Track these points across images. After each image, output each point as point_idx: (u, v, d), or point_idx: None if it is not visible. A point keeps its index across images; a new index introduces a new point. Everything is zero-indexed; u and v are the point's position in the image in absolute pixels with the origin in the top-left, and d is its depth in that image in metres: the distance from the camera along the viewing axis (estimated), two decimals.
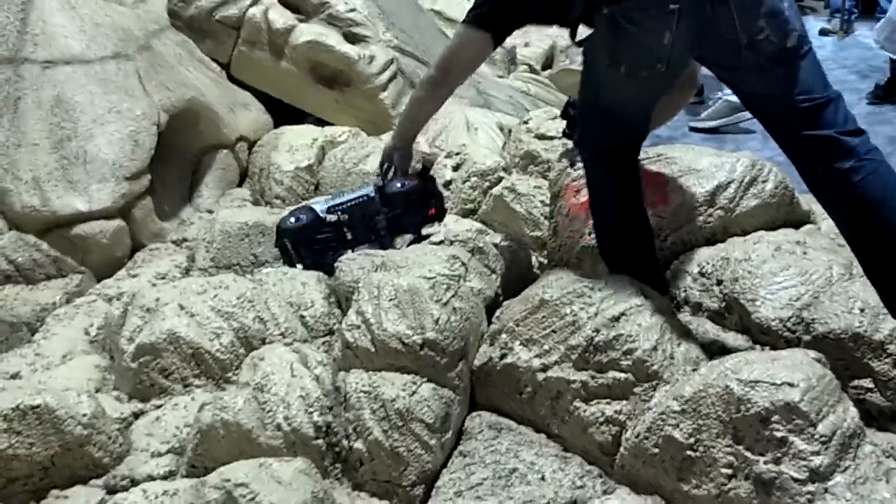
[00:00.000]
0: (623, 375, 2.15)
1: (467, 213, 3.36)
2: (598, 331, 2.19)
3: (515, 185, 3.30)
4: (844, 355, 2.23)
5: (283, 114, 3.98)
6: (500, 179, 3.41)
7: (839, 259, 2.50)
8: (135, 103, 3.29)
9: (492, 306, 2.60)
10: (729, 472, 1.90)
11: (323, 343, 2.53)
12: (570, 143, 3.18)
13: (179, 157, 3.57)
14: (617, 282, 2.31)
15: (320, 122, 3.90)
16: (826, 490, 1.81)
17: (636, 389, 2.13)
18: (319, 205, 2.80)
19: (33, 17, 3.33)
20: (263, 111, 3.94)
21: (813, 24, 7.66)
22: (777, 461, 1.84)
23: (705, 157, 2.86)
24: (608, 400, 2.15)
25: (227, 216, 2.96)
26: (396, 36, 4.14)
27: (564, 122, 3.18)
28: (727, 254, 2.60)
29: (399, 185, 2.83)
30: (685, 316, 2.54)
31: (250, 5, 3.97)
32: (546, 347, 2.26)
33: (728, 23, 2.10)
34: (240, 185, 3.67)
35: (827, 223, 2.93)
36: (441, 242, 2.82)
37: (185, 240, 3.19)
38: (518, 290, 2.54)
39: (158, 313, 2.46)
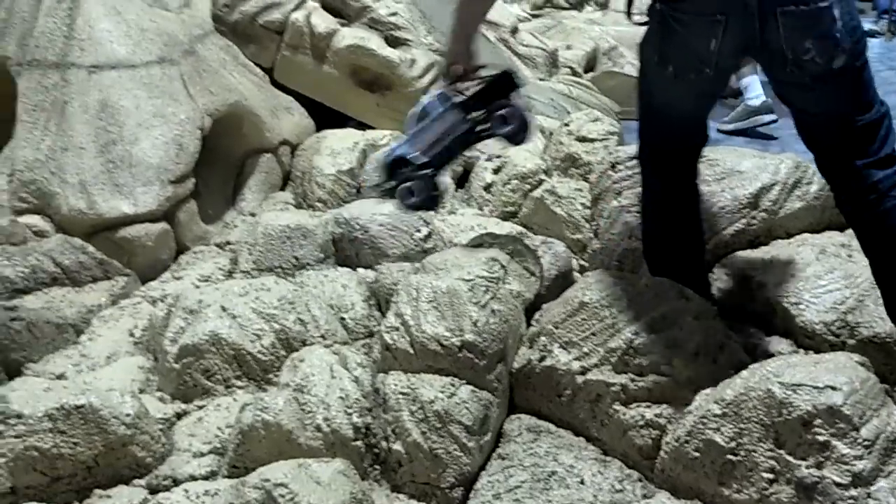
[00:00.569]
0: (663, 379, 2.13)
1: (508, 216, 3.35)
2: (637, 333, 2.18)
3: (556, 187, 3.29)
4: (889, 359, 2.20)
5: (326, 118, 4.01)
6: (540, 182, 3.41)
7: None
8: (179, 107, 3.33)
9: (531, 309, 2.59)
10: (770, 476, 1.87)
11: (363, 345, 2.54)
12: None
13: (223, 161, 3.60)
14: (658, 284, 2.30)
15: (362, 126, 3.92)
16: (869, 495, 1.78)
17: (677, 393, 2.11)
18: (402, 149, 2.65)
19: (80, 22, 3.39)
20: (306, 115, 3.96)
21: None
22: (819, 465, 1.82)
23: (748, 158, 2.84)
24: (648, 403, 2.14)
25: (269, 219, 2.98)
26: (438, 39, 4.14)
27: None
28: (771, 257, 2.58)
29: (468, 88, 2.59)
30: (728, 319, 2.52)
31: (293, 10, 4.00)
32: (585, 350, 2.25)
33: (775, 37, 2.05)
34: (283, 188, 3.70)
35: None
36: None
37: (228, 243, 3.23)
38: (558, 293, 2.53)
39: (201, 315, 2.49)
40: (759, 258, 2.60)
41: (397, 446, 2.14)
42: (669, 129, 2.35)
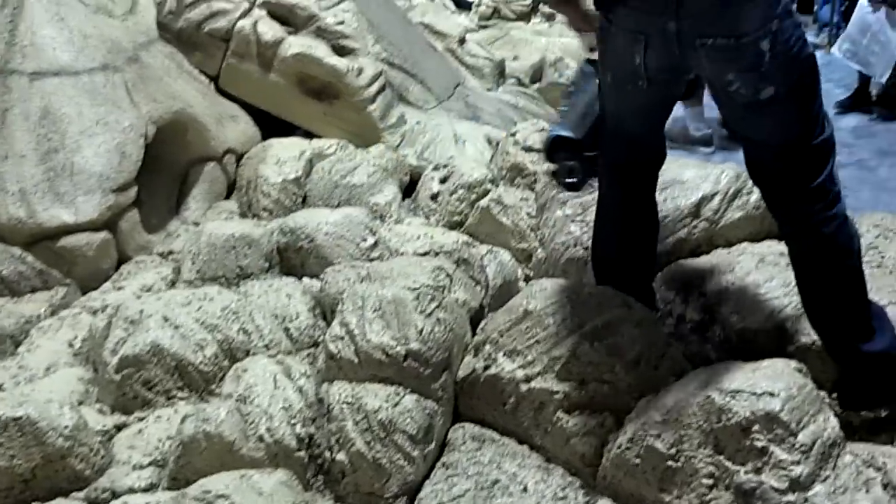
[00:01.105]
0: (605, 386, 2.15)
1: (454, 226, 3.36)
2: (580, 342, 2.19)
3: (502, 197, 3.31)
4: (826, 366, 2.23)
5: (272, 126, 3.98)
6: (487, 192, 3.42)
7: None
8: (122, 115, 3.29)
9: (477, 318, 2.60)
10: (710, 482, 1.90)
11: (308, 355, 2.53)
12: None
13: (167, 170, 3.56)
14: (601, 293, 2.32)
15: (309, 135, 3.90)
16: (806, 500, 1.81)
17: (619, 400, 2.13)
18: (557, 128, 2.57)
19: (22, 28, 3.33)
20: (252, 123, 3.93)
21: None
22: (758, 471, 1.84)
23: (690, 168, 2.88)
24: (591, 411, 2.15)
25: (213, 228, 2.95)
26: (385, 49, 4.14)
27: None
28: (711, 265, 2.62)
29: None
30: (669, 327, 2.55)
31: (240, 18, 3.97)
32: (529, 358, 2.26)
33: (698, 65, 2.04)
34: (227, 197, 3.66)
35: None
36: None
37: (171, 252, 3.19)
38: (503, 302, 2.54)
39: (142, 325, 2.46)
40: (701, 267, 2.64)
41: (341, 456, 2.13)
42: (622, 141, 2.33)
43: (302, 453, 2.12)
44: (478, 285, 2.74)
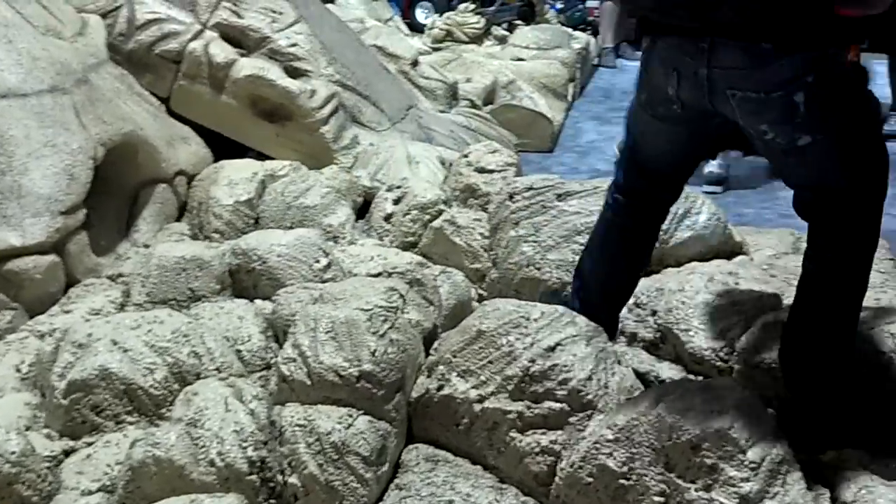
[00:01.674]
0: (558, 405, 2.16)
1: (408, 247, 3.36)
2: (533, 361, 2.20)
3: (455, 217, 3.32)
4: (775, 384, 2.26)
5: (224, 148, 3.97)
6: (440, 212, 3.43)
7: (770, 289, 2.55)
8: (71, 137, 3.25)
9: (430, 338, 2.60)
10: (661, 499, 1.91)
11: (260, 377, 2.51)
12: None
13: (117, 192, 3.52)
14: (552, 312, 2.33)
15: (261, 157, 3.89)
16: None
17: (571, 419, 2.14)
18: None
19: None
20: (203, 145, 3.91)
21: None
22: (708, 488, 1.86)
23: None
24: (544, 430, 2.16)
25: (163, 250, 2.93)
26: (338, 71, 4.15)
27: None
28: (661, 284, 2.65)
29: None
30: (621, 346, 2.57)
31: (191, 39, 3.96)
32: (483, 378, 2.26)
33: (731, 112, 2.02)
34: (178, 219, 3.63)
35: (759, 254, 3.00)
36: None
37: (120, 275, 3.15)
38: (457, 323, 2.55)
39: (90, 349, 2.42)
40: (651, 286, 2.66)
41: (293, 479, 2.12)
42: (644, 170, 2.29)
43: (254, 477, 2.10)
44: (431, 306, 2.74)
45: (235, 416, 2.16)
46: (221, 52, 3.92)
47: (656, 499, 1.91)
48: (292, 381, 2.24)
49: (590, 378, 2.17)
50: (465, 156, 3.76)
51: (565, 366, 2.18)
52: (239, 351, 2.56)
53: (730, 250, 2.87)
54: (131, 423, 2.37)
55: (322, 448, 2.11)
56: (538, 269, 2.85)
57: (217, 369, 2.45)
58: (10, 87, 3.27)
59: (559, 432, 2.14)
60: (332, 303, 2.39)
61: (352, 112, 4.12)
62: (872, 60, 5.56)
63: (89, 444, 2.34)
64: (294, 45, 4.04)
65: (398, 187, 3.58)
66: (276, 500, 2.14)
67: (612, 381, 2.20)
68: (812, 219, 2.11)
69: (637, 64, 2.20)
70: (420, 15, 8.84)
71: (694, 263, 2.74)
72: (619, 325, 2.61)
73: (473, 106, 5.21)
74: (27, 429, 2.37)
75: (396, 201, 3.54)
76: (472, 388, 2.26)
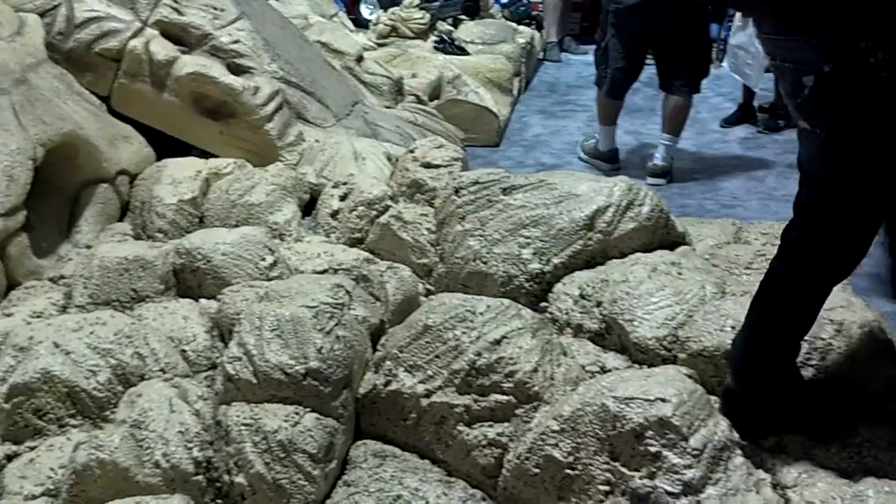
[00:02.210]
0: (505, 398, 2.17)
1: (354, 243, 3.36)
2: (479, 354, 2.21)
3: (402, 213, 3.32)
4: (718, 372, 2.30)
5: (167, 147, 3.92)
6: (386, 208, 3.42)
7: (712, 279, 2.59)
8: (10, 138, 3.19)
9: (377, 334, 2.60)
10: (606, 488, 1.94)
11: (205, 377, 2.49)
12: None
13: (57, 192, 3.47)
14: (497, 305, 2.34)
15: (205, 155, 3.85)
16: (699, 503, 1.86)
17: (518, 411, 2.16)
18: None
19: None
20: (145, 144, 3.86)
21: None
22: (652, 476, 1.89)
23: (584, 182, 2.93)
24: (490, 423, 2.18)
25: (105, 251, 2.89)
26: (282, 67, 4.12)
27: None
28: (606, 276, 2.67)
29: None
30: (567, 337, 2.59)
31: (131, 37, 3.90)
32: (430, 373, 2.27)
33: None
34: (121, 219, 3.59)
35: (701, 244, 3.04)
36: None
37: (62, 277, 3.10)
38: (405, 318, 2.55)
39: (32, 352, 2.39)
40: (596, 277, 2.69)
41: (240, 479, 2.11)
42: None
43: (200, 477, 2.09)
44: (378, 302, 2.74)
45: (180, 417, 2.14)
46: (162, 49, 3.87)
47: (602, 487, 1.94)
48: (238, 380, 2.22)
49: (535, 370, 2.18)
50: (412, 151, 3.75)
51: (511, 358, 2.19)
52: (184, 351, 2.54)
53: (672, 241, 2.90)
54: (75, 427, 2.34)
55: (269, 447, 2.10)
56: (485, 262, 2.86)
57: (161, 370, 2.43)
58: None
59: (506, 424, 2.16)
60: (277, 301, 2.38)
61: (296, 109, 4.10)
62: None
63: (32, 449, 2.31)
64: (236, 41, 4.00)
65: (344, 184, 3.56)
66: (222, 501, 2.13)
67: (558, 373, 2.22)
68: (797, 202, 2.05)
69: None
70: (365, 11, 8.81)
71: (638, 254, 2.77)
72: (566, 315, 2.63)
73: (419, 101, 5.21)
74: None
75: (343, 198, 3.52)
76: (419, 382, 2.26)
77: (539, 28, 8.15)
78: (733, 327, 2.32)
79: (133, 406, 2.17)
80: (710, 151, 5.67)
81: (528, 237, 2.81)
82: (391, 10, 7.01)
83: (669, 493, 1.86)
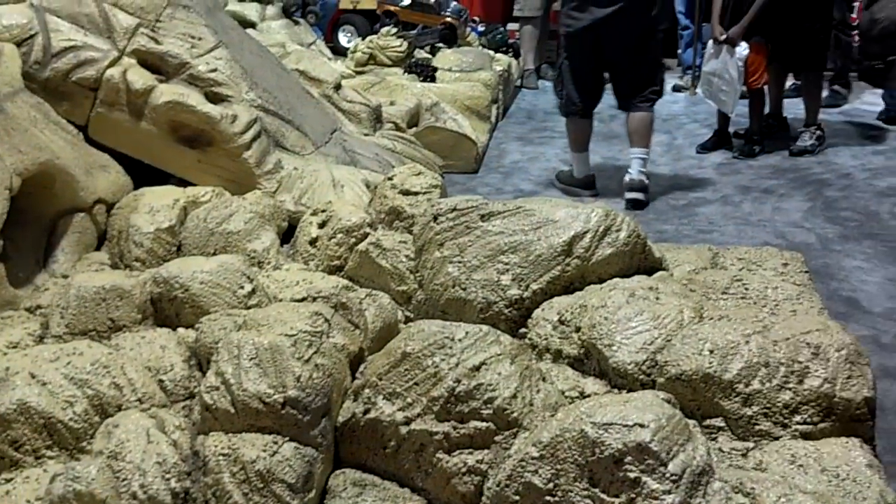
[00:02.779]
0: (484, 424, 2.17)
1: (333, 270, 3.35)
2: (459, 381, 2.21)
3: (381, 240, 3.32)
4: (696, 396, 2.31)
5: (145, 175, 3.92)
6: (365, 235, 3.43)
7: (689, 303, 2.60)
8: None
9: (356, 362, 2.60)
10: None
11: (183, 407, 2.48)
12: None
13: (34, 222, 3.45)
14: (476, 332, 2.35)
15: (183, 183, 3.85)
16: None
17: (497, 438, 2.16)
18: None
19: None
20: (123, 173, 3.86)
21: (667, 81, 7.99)
22: (631, 501, 1.89)
23: (562, 208, 2.95)
24: (470, 450, 2.17)
25: (82, 280, 2.87)
26: (260, 95, 4.14)
27: None
28: (584, 301, 2.68)
29: None
30: (546, 363, 2.59)
31: (108, 66, 3.91)
32: (409, 400, 2.26)
33: None
34: (98, 248, 3.57)
35: (679, 270, 3.06)
36: None
37: (39, 307, 3.08)
38: (384, 345, 2.54)
39: (8, 383, 2.36)
40: (574, 303, 2.69)
41: None
42: None
43: None
44: (357, 329, 2.74)
45: (157, 448, 2.12)
46: (140, 78, 3.88)
47: None
48: (216, 409, 2.21)
49: (515, 396, 2.18)
50: (390, 178, 3.76)
51: (490, 385, 2.19)
52: (161, 381, 2.52)
53: (650, 266, 2.92)
54: (51, 458, 2.32)
55: (247, 477, 2.09)
56: (464, 289, 2.86)
57: (139, 400, 2.41)
58: None
59: (485, 451, 2.16)
60: (255, 329, 2.38)
61: (275, 137, 4.11)
62: None
63: (8, 481, 2.28)
64: (214, 70, 4.02)
65: (323, 211, 3.57)
66: None
67: (537, 399, 2.22)
68: None
69: None
70: (343, 39, 8.88)
71: (616, 279, 2.78)
72: (545, 341, 2.64)
73: (398, 128, 5.23)
74: None
75: (321, 225, 3.53)
76: (399, 410, 2.26)
77: (516, 56, 8.23)
78: (711, 351, 2.33)
79: (110, 437, 2.15)
80: (686, 177, 5.72)
81: (506, 263, 2.82)
82: (369, 38, 7.06)
83: None
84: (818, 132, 6.17)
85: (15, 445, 2.31)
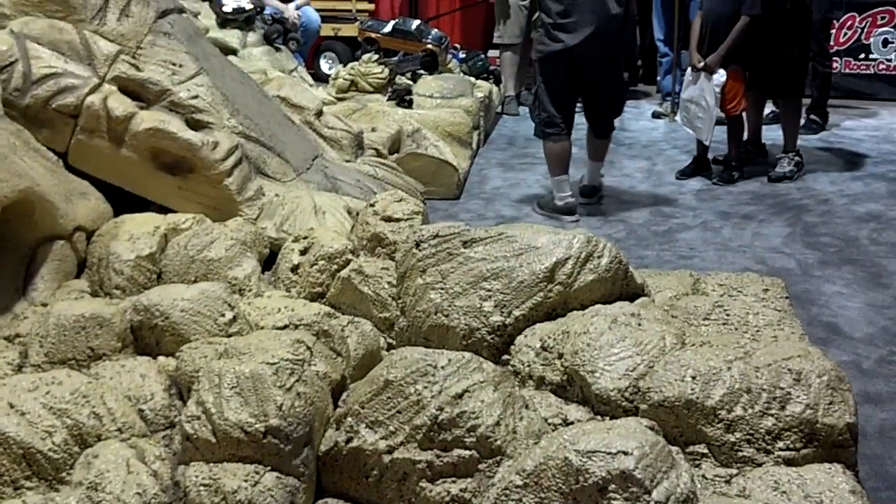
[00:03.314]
0: (467, 453, 2.16)
1: (315, 297, 3.34)
2: (441, 409, 2.20)
3: (363, 267, 3.32)
4: (679, 422, 2.31)
5: (125, 203, 3.90)
6: (347, 262, 3.42)
7: (671, 329, 2.61)
8: None
9: (339, 390, 2.59)
10: None
11: (164, 436, 2.45)
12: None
13: (13, 250, 3.42)
14: (459, 359, 2.34)
15: (163, 210, 3.83)
16: None
17: (481, 466, 2.15)
18: None
19: None
20: (103, 200, 3.83)
21: (646, 108, 8.08)
22: None
23: (543, 234, 2.96)
24: (454, 478, 2.16)
25: (62, 309, 2.85)
26: (241, 122, 4.13)
27: None
28: (567, 327, 2.68)
29: None
30: (529, 390, 2.59)
31: (89, 93, 3.89)
32: (392, 429, 2.25)
33: None
34: (78, 276, 3.55)
35: (660, 296, 3.07)
36: None
37: (17, 335, 3.05)
38: (367, 373, 2.54)
39: None
40: (557, 329, 2.70)
41: None
42: None
43: None
44: (339, 357, 2.72)
45: (137, 478, 2.10)
46: (120, 105, 3.86)
47: None
48: (196, 439, 2.19)
49: (498, 423, 2.18)
50: (372, 205, 3.76)
51: (473, 412, 2.19)
52: (141, 410, 2.50)
53: (632, 292, 2.93)
54: (30, 489, 2.28)
55: None
56: (446, 315, 2.86)
57: (119, 430, 2.39)
58: None
59: (469, 480, 2.15)
60: (237, 357, 2.36)
61: (256, 163, 4.10)
62: None
63: None
64: (195, 97, 4.01)
65: (305, 238, 3.56)
66: None
67: (521, 426, 2.21)
68: None
69: None
70: (324, 65, 8.91)
71: (598, 306, 2.78)
72: (528, 367, 2.64)
73: (379, 155, 5.23)
74: None
75: (303, 252, 3.52)
76: (381, 438, 2.25)
77: (497, 82, 8.26)
78: (693, 377, 2.34)
79: (90, 467, 2.13)
80: (666, 203, 5.75)
81: (489, 290, 2.82)
82: (350, 64, 7.07)
83: None
84: (796, 158, 6.23)
85: None
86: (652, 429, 2.07)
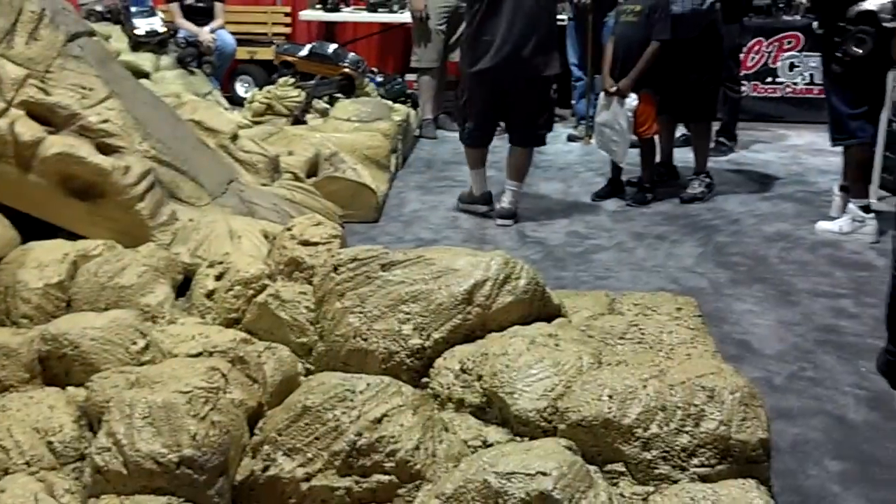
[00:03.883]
0: (387, 478, 2.15)
1: (231, 323, 3.29)
2: (360, 434, 2.19)
3: (280, 291, 3.27)
4: (597, 441, 2.33)
5: (32, 229, 3.79)
6: (264, 287, 3.37)
7: (588, 349, 2.64)
8: None
9: (255, 417, 2.54)
10: None
11: (73, 469, 2.38)
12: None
13: None
14: (378, 383, 2.33)
15: (73, 237, 3.74)
16: None
17: (400, 491, 2.13)
18: None
19: None
20: (9, 227, 3.72)
21: (561, 131, 8.18)
22: None
23: (462, 257, 2.97)
24: None
25: None
26: (154, 146, 4.06)
27: None
28: (486, 349, 2.69)
29: None
30: (449, 412, 2.58)
31: None
32: (309, 455, 2.23)
33: None
34: None
35: (577, 316, 3.10)
36: None
37: None
38: (284, 399, 2.50)
39: None
40: (476, 351, 2.70)
41: None
42: None
43: None
44: (255, 384, 2.68)
45: None
46: (28, 130, 3.77)
47: None
48: (107, 471, 2.13)
49: (417, 447, 2.17)
50: (289, 229, 3.73)
51: (392, 437, 2.17)
52: (50, 442, 2.42)
53: (549, 313, 2.95)
54: None
55: None
56: (365, 339, 2.84)
57: (26, 463, 2.31)
58: None
59: None
60: (149, 386, 2.31)
61: (169, 188, 4.03)
62: None
63: None
64: (106, 120, 3.93)
65: (220, 263, 3.50)
66: None
67: (440, 449, 2.21)
68: None
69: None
70: (240, 89, 8.83)
71: (516, 327, 2.80)
72: (448, 390, 2.63)
73: (296, 178, 5.19)
74: None
75: (218, 277, 3.46)
76: (299, 466, 2.22)
77: (414, 106, 8.29)
78: (610, 396, 2.36)
79: None
80: (582, 225, 5.82)
81: (408, 313, 2.81)
82: (266, 88, 7.02)
83: None
84: (707, 180, 6.37)
85: None
86: (570, 449, 2.08)
